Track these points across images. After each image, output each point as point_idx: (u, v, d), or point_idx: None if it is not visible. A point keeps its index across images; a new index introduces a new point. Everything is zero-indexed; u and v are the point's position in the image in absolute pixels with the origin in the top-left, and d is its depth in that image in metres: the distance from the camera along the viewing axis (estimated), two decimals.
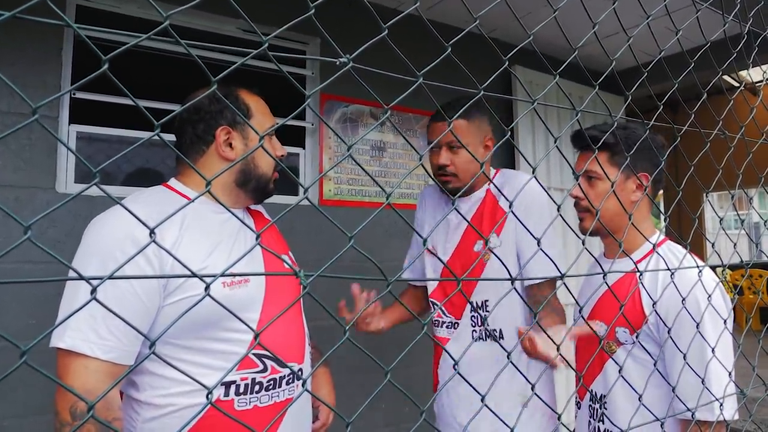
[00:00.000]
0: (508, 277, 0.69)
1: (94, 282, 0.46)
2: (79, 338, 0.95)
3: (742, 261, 1.07)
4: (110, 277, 0.49)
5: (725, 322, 1.11)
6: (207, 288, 0.51)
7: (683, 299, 1.04)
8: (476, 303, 1.54)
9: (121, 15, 2.27)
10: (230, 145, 1.16)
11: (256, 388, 1.10)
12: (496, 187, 1.52)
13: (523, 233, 1.47)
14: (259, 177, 1.21)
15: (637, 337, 1.19)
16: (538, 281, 1.47)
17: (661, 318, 1.13)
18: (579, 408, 1.36)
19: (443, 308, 1.59)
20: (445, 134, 1.46)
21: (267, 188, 1.24)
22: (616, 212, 1.27)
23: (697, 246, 6.91)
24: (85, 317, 0.95)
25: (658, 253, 1.13)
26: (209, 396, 0.53)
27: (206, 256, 1.08)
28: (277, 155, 1.24)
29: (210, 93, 1.17)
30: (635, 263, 1.03)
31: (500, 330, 1.53)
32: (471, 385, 0.76)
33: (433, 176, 1.25)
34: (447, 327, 1.59)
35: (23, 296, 1.85)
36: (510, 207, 0.67)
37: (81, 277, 0.46)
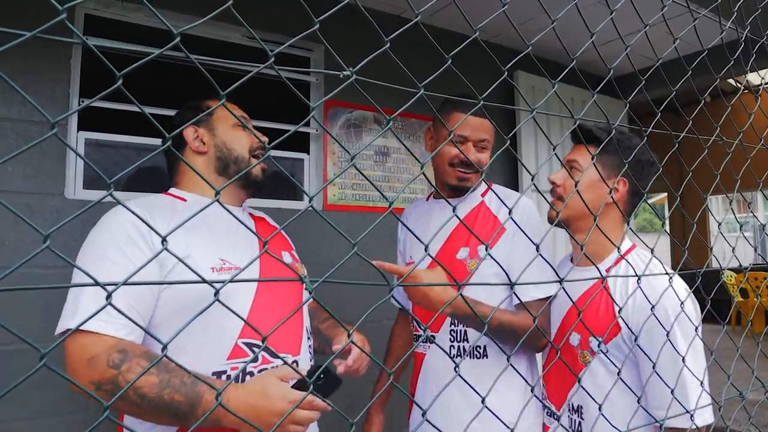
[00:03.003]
0: (504, 284, 0.70)
1: (110, 288, 0.49)
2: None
3: (740, 265, 1.08)
4: (125, 283, 0.52)
5: (696, 329, 1.11)
6: (216, 293, 0.54)
7: (653, 306, 1.03)
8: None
9: (128, 23, 2.31)
10: (202, 141, 1.27)
11: (247, 378, 1.10)
12: (499, 198, 1.45)
13: (515, 255, 1.39)
14: (236, 159, 1.26)
15: (628, 346, 1.19)
16: (521, 303, 1.37)
17: (628, 327, 1.14)
18: (557, 420, 1.32)
19: (420, 322, 1.51)
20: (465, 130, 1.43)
21: (250, 175, 1.27)
22: (584, 212, 1.25)
23: (701, 249, 6.89)
24: (95, 299, 0.99)
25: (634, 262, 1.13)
26: (218, 397, 0.55)
27: (187, 244, 1.10)
28: (253, 142, 1.29)
29: (183, 107, 1.32)
30: (604, 271, 1.03)
31: (484, 347, 1.43)
32: (475, 392, 0.77)
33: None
34: (423, 341, 1.52)
35: (33, 300, 1.88)
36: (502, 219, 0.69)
37: (97, 284, 0.49)
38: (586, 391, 1.04)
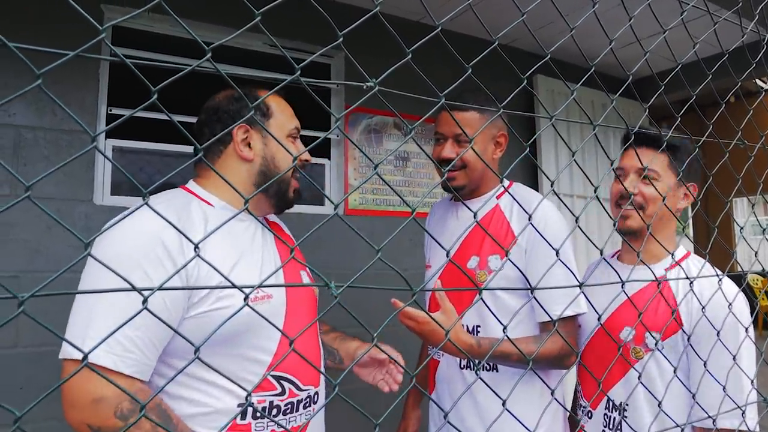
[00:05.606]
0: (522, 290, 0.71)
1: (146, 293, 0.49)
2: (102, 349, 0.87)
3: (763, 269, 1.07)
4: (160, 288, 0.54)
5: (747, 330, 1.13)
6: (246, 298, 0.54)
7: (702, 307, 1.05)
8: (467, 327, 1.37)
9: (153, 33, 2.37)
10: (248, 145, 1.13)
11: (274, 411, 1.05)
12: (516, 200, 1.30)
13: (533, 265, 1.30)
14: (280, 180, 1.16)
15: (684, 344, 1.18)
16: (547, 321, 1.30)
17: (689, 327, 1.15)
18: (590, 417, 1.31)
19: None
20: (448, 125, 1.37)
21: (287, 196, 1.19)
22: (659, 217, 1.27)
23: (726, 252, 6.75)
24: (113, 322, 0.87)
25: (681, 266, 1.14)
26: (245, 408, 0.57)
27: (231, 266, 1.04)
28: (300, 160, 1.17)
29: (228, 93, 1.15)
30: (663, 271, 1.04)
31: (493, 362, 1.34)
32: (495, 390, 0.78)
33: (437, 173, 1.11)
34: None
35: (54, 305, 1.93)
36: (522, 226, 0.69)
37: (134, 288, 0.50)
38: (611, 396, 1.04)
